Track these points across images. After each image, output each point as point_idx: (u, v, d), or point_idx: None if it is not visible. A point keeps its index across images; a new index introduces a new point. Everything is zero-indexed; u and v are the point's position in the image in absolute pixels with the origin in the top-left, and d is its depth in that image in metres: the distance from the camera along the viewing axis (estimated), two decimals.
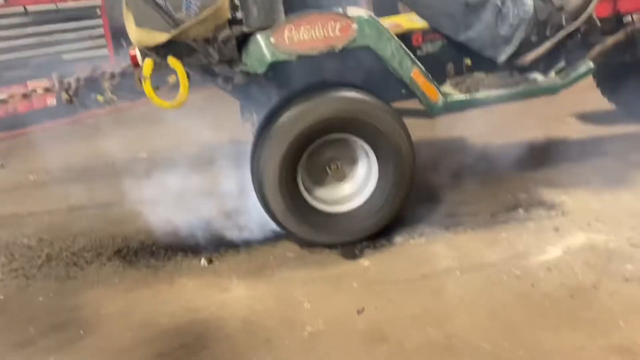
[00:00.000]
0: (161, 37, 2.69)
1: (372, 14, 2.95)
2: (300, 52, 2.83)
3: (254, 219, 3.27)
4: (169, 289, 2.88)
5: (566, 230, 3.06)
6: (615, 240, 2.93)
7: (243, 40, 2.84)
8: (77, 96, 3.36)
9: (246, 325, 2.56)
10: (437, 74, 3.31)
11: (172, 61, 2.76)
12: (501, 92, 3.28)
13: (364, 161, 3.11)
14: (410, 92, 3.11)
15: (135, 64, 2.80)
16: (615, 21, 3.48)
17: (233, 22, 2.82)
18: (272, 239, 3.19)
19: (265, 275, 2.92)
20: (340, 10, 2.92)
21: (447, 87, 3.32)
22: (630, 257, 2.78)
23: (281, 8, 2.83)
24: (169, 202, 3.63)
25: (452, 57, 3.43)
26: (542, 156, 4.02)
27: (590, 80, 4.45)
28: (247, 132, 3.52)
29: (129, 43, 2.93)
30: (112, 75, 3.39)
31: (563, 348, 2.25)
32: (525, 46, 3.24)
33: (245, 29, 2.82)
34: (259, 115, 3.31)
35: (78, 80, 3.30)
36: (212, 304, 2.73)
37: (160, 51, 2.74)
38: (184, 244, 3.23)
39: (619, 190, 3.44)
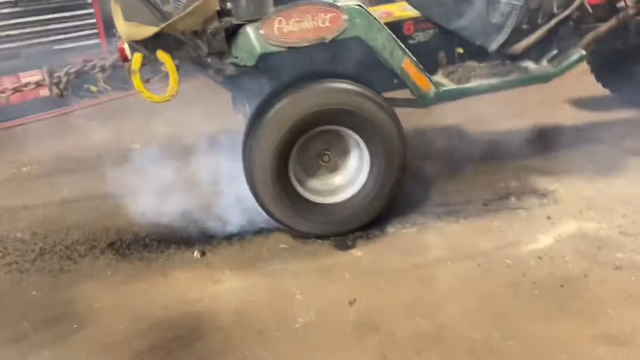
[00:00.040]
0: (149, 31, 2.67)
1: (363, 4, 2.92)
2: (290, 43, 2.82)
3: (247, 210, 3.27)
4: (162, 281, 2.89)
5: (558, 219, 3.08)
6: (606, 228, 2.95)
7: (232, 33, 2.83)
8: (68, 90, 3.33)
9: (238, 317, 2.58)
10: (429, 63, 3.31)
11: (161, 55, 2.74)
12: (493, 81, 3.27)
13: (356, 152, 3.11)
14: (402, 82, 3.09)
15: (124, 58, 2.78)
16: (609, 7, 3.45)
17: (222, 13, 2.80)
18: (264, 231, 3.19)
19: (258, 267, 2.93)
20: (331, 0, 2.91)
21: (439, 77, 3.32)
22: (621, 245, 2.80)
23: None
24: (162, 194, 3.63)
25: (443, 46, 3.42)
26: (535, 143, 4.02)
27: (585, 65, 4.44)
28: (239, 121, 3.51)
29: None
30: (103, 68, 3.37)
31: (553, 337, 2.27)
32: (517, 34, 3.23)
33: (234, 20, 2.80)
34: (250, 106, 3.30)
35: (68, 74, 3.27)
36: (205, 296, 2.74)
37: (149, 45, 2.72)
38: (176, 236, 3.23)
39: (612, 177, 3.46)
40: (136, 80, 2.77)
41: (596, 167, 3.59)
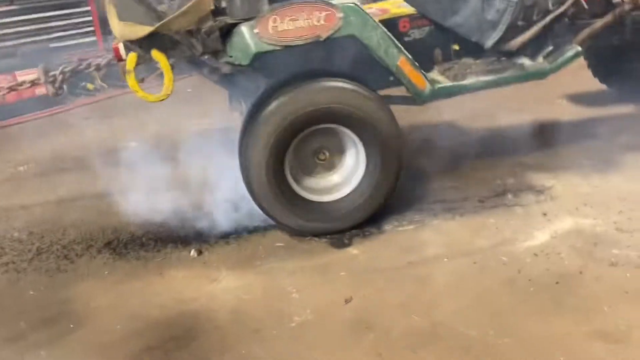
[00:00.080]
0: (144, 31, 2.66)
1: (357, 2, 2.92)
2: (284, 42, 2.81)
3: (244, 209, 3.27)
4: (159, 280, 2.89)
5: (554, 215, 3.08)
6: (603, 225, 2.95)
7: (227, 31, 2.82)
8: (63, 89, 3.33)
9: (235, 316, 2.59)
10: (425, 60, 3.31)
11: (155, 54, 2.74)
12: (489, 78, 3.27)
13: (352, 150, 3.11)
14: (397, 80, 3.09)
15: (119, 58, 2.78)
16: (604, 3, 3.44)
17: (217, 12, 2.79)
18: (261, 229, 3.20)
19: (254, 266, 2.94)
20: None
21: (434, 74, 3.31)
22: (617, 241, 2.80)
23: None
24: (158, 192, 3.63)
25: (439, 42, 3.42)
26: (532, 139, 4.02)
27: (582, 61, 4.44)
28: (236, 118, 3.51)
29: None
30: (98, 67, 3.37)
31: (548, 334, 2.28)
32: (513, 31, 3.23)
33: (229, 19, 2.79)
34: (247, 104, 3.30)
35: (63, 72, 3.27)
36: (202, 295, 2.74)
37: (143, 44, 2.72)
38: (173, 235, 3.24)
39: (608, 174, 3.46)
40: (131, 79, 2.77)
41: (593, 163, 3.59)
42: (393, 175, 3.07)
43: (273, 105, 2.89)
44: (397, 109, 3.23)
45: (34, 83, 3.49)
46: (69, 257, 3.15)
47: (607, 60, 4.35)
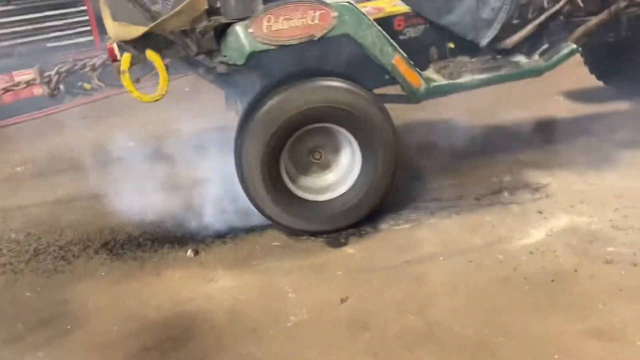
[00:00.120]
0: (138, 31, 2.66)
1: (352, 1, 2.92)
2: (279, 41, 2.81)
3: (241, 208, 3.28)
4: (155, 281, 2.90)
5: (550, 213, 3.09)
6: (598, 222, 2.95)
7: (222, 31, 2.82)
8: (59, 89, 3.33)
9: (232, 316, 2.59)
10: (420, 59, 3.31)
11: (150, 54, 2.74)
12: (484, 76, 3.27)
13: (347, 149, 3.11)
14: (393, 78, 3.09)
15: (114, 58, 2.78)
16: (600, 1, 3.43)
17: (211, 12, 2.79)
18: (258, 229, 3.20)
19: (251, 266, 2.94)
20: None
21: (430, 72, 3.31)
22: (612, 239, 2.81)
23: None
24: (155, 192, 3.64)
25: (435, 41, 3.41)
26: (529, 137, 4.03)
27: (579, 57, 4.44)
28: (233, 118, 3.51)
29: None
30: (94, 67, 3.37)
31: (542, 333, 2.28)
32: (508, 29, 3.22)
33: (223, 19, 2.79)
34: (242, 104, 3.30)
35: (59, 73, 3.27)
36: (199, 296, 2.75)
37: (138, 44, 2.72)
38: (170, 235, 3.24)
39: (604, 171, 3.46)
40: (126, 80, 2.76)
41: (589, 160, 3.59)
42: (389, 173, 3.07)
43: (268, 104, 2.89)
44: (393, 107, 3.23)
45: (29, 83, 3.50)
46: (66, 258, 3.16)
47: (603, 57, 4.35)
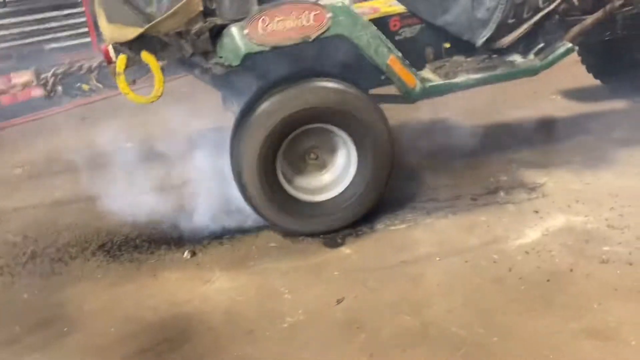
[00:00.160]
0: (133, 33, 2.67)
1: (347, 2, 2.92)
2: (274, 43, 2.81)
3: (237, 209, 3.28)
4: (152, 282, 2.90)
5: (546, 213, 3.09)
6: (594, 222, 2.96)
7: (217, 33, 2.82)
8: (55, 91, 3.35)
9: (228, 317, 2.60)
10: (416, 59, 3.32)
11: (145, 56, 2.75)
12: (480, 75, 3.27)
13: (343, 150, 3.12)
14: (388, 78, 3.10)
15: (109, 60, 2.78)
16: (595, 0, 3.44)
17: (206, 14, 2.79)
18: (254, 230, 3.20)
19: (248, 266, 2.95)
20: None
21: (426, 72, 3.32)
22: (608, 238, 2.81)
23: None
24: (153, 194, 3.64)
25: (430, 41, 3.42)
26: (525, 136, 4.03)
27: (576, 56, 4.44)
28: (230, 118, 3.51)
29: None
30: (90, 69, 3.38)
31: (537, 333, 2.29)
32: (503, 29, 3.22)
33: (218, 20, 2.79)
34: (239, 104, 3.30)
35: (55, 75, 3.28)
36: (195, 297, 2.76)
37: (133, 46, 2.72)
38: (167, 236, 3.25)
39: (601, 170, 3.46)
40: (121, 82, 2.77)
41: (586, 159, 3.59)
42: (384, 174, 3.08)
43: (264, 105, 2.90)
44: (390, 106, 3.24)
45: (25, 86, 3.51)
46: (63, 260, 3.16)
47: (600, 55, 4.35)
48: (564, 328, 2.29)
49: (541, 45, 3.33)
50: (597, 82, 4.60)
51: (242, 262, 2.98)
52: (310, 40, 2.83)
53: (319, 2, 2.85)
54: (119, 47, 2.74)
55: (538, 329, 2.30)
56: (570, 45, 3.28)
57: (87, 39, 6.24)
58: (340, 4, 2.88)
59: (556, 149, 3.79)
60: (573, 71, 4.59)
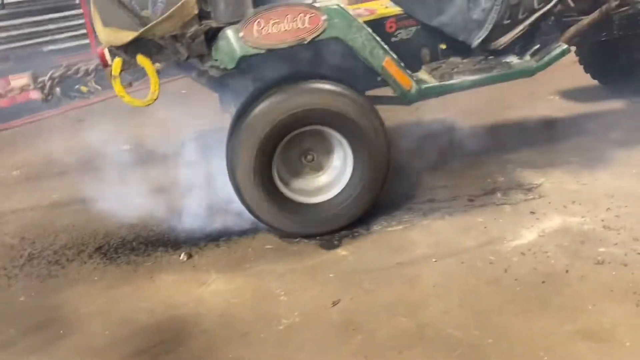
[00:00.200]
0: (128, 36, 2.68)
1: (342, 4, 2.92)
2: (269, 45, 2.82)
3: (234, 211, 3.28)
4: (148, 285, 2.91)
5: (542, 214, 3.09)
6: (590, 223, 2.95)
7: (212, 36, 2.83)
8: (53, 94, 3.35)
9: (223, 319, 2.60)
10: (412, 60, 3.32)
11: (141, 59, 2.75)
12: (476, 77, 3.27)
13: (339, 152, 3.12)
14: (384, 80, 3.10)
15: (105, 63, 2.79)
16: (591, 0, 3.44)
17: (202, 16, 2.80)
18: (250, 232, 3.21)
19: (244, 269, 2.95)
20: (310, 1, 2.91)
21: (421, 74, 3.32)
22: (604, 239, 2.81)
23: (249, 1, 2.80)
24: (150, 196, 3.64)
25: (426, 42, 3.42)
26: (522, 136, 4.03)
27: (574, 56, 4.44)
28: (228, 120, 3.52)
29: None
30: (87, 72, 3.39)
31: (532, 334, 2.29)
32: (499, 30, 3.22)
33: (213, 23, 2.80)
34: (236, 106, 3.31)
35: (52, 78, 3.29)
36: (191, 299, 2.76)
37: (128, 50, 2.73)
38: (164, 238, 3.25)
39: (598, 170, 3.46)
40: (117, 85, 2.78)
41: (583, 159, 3.59)
42: (381, 175, 3.08)
43: (259, 108, 2.90)
44: (384, 109, 3.23)
45: (23, 89, 3.52)
46: (60, 263, 3.17)
47: (598, 56, 4.35)
48: (559, 329, 2.29)
49: (537, 46, 3.33)
50: (595, 82, 4.61)
51: (238, 264, 2.98)
52: (305, 42, 2.84)
53: (314, 5, 2.85)
54: (115, 50, 2.75)
55: (533, 330, 2.30)
56: (565, 46, 3.28)
57: (86, 41, 6.24)
58: (335, 6, 2.89)
59: (553, 149, 3.79)
60: (571, 71, 4.59)
